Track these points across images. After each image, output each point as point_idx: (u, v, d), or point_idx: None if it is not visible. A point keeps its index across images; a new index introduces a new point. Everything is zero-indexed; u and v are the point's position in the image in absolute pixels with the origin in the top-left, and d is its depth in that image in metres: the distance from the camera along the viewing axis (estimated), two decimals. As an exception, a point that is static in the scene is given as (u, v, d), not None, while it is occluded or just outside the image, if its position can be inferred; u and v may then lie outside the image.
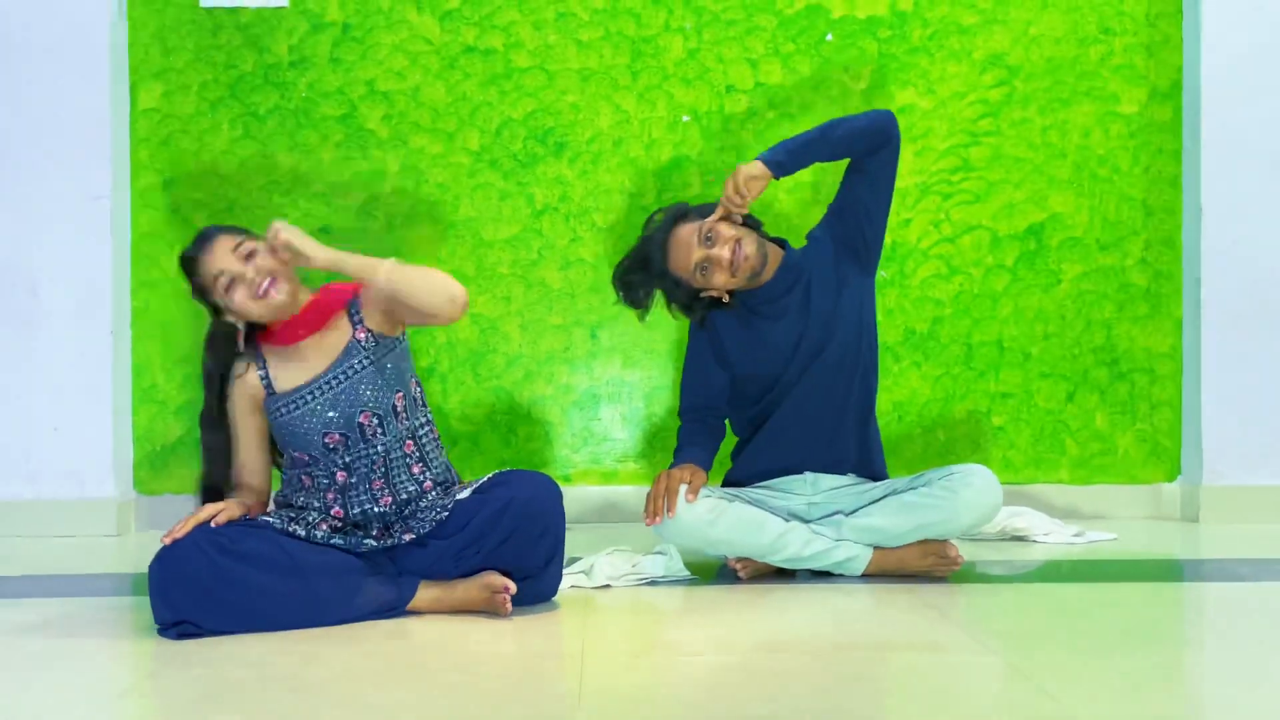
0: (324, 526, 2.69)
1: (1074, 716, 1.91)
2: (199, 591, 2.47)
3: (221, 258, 2.63)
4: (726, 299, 3.14)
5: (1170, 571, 3.34)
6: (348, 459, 2.69)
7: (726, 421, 3.30)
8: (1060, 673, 2.17)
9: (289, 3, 4.08)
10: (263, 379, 2.71)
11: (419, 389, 2.82)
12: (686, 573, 3.11)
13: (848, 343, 3.15)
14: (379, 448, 2.71)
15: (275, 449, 2.80)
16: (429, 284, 2.63)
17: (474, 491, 2.74)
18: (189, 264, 2.67)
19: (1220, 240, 4.08)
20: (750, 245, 3.07)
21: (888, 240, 4.12)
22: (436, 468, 2.79)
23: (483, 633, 2.54)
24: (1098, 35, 4.16)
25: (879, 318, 4.13)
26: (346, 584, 2.60)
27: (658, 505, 2.99)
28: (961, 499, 3.02)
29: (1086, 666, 2.22)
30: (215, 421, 2.70)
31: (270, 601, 2.52)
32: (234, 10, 4.08)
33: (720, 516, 3.02)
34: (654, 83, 4.14)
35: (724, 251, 3.04)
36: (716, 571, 3.19)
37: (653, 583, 3.06)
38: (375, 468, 2.71)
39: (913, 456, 4.10)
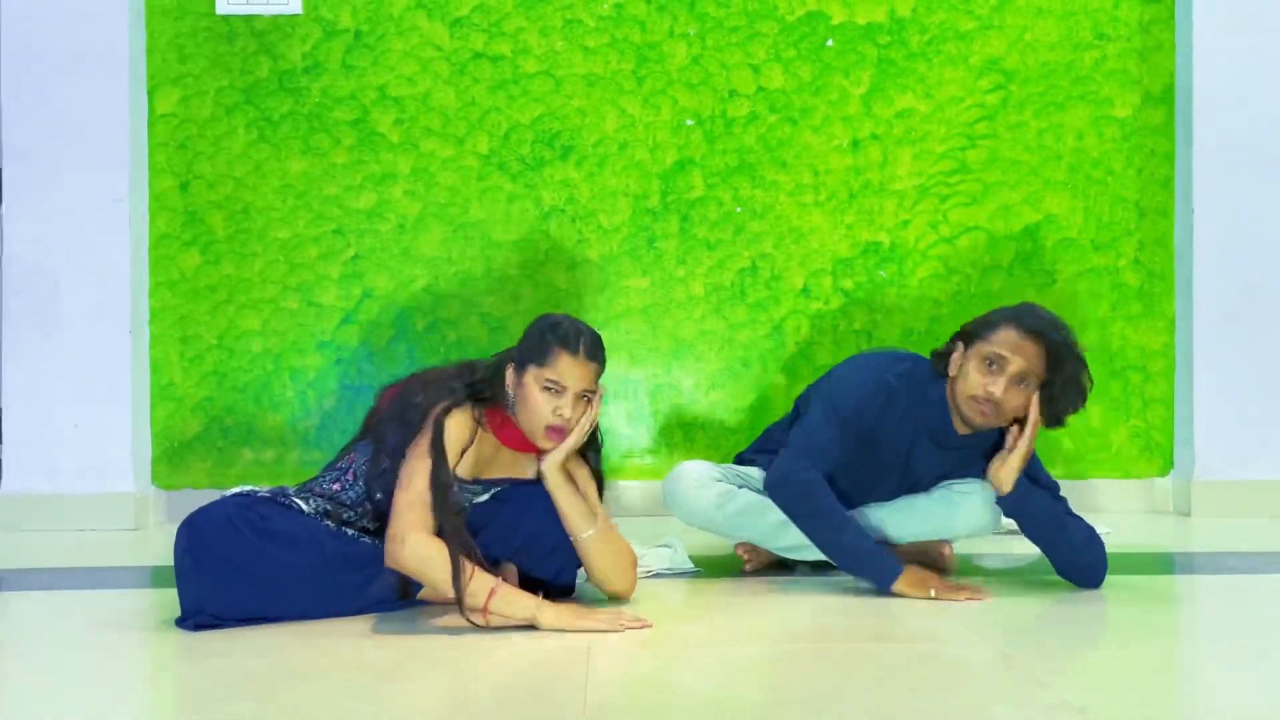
0: (358, 523, 2.71)
1: (1067, 705, 1.93)
2: (221, 562, 2.48)
3: (581, 377, 2.62)
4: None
5: (1162, 564, 3.38)
6: None
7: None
8: (1054, 663, 2.21)
9: (302, 10, 4.15)
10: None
11: None
12: (691, 566, 3.15)
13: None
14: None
15: None
16: (621, 563, 2.72)
17: (491, 496, 2.76)
18: (556, 346, 2.61)
19: (1211, 240, 4.14)
20: (1015, 401, 2.85)
21: (886, 241, 4.20)
22: None
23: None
24: (1092, 41, 4.22)
25: (879, 317, 4.21)
26: (365, 573, 2.61)
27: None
28: (959, 511, 3.02)
29: (1080, 657, 2.25)
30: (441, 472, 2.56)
31: (290, 582, 2.52)
32: (249, 18, 4.14)
33: (729, 500, 3.06)
34: (658, 87, 4.20)
35: (997, 389, 2.83)
36: (720, 565, 3.22)
37: (657, 575, 3.08)
38: None
39: (911, 452, 4.16)
